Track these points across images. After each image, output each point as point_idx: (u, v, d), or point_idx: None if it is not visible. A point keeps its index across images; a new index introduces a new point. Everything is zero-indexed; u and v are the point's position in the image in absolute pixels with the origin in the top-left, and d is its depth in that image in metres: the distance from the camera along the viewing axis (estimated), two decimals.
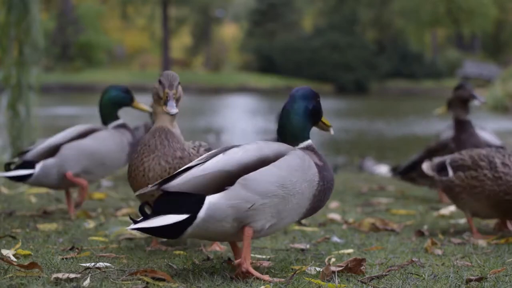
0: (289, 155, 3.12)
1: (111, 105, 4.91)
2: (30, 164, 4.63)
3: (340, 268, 3.18)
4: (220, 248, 3.83)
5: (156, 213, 2.95)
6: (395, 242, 4.09)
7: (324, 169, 3.22)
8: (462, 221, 4.93)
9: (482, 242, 4.05)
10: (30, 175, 4.62)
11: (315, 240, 4.11)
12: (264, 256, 3.66)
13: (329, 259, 3.53)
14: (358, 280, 3.07)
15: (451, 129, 6.73)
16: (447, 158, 4.44)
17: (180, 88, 3.62)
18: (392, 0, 55.82)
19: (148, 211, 2.99)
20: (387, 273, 3.19)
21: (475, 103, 5.83)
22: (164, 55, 50.31)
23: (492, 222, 4.88)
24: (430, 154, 6.14)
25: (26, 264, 3.10)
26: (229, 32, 63.32)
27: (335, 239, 4.15)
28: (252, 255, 3.68)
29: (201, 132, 17.29)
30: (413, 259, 3.47)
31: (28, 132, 10.44)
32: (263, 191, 3.01)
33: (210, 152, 3.19)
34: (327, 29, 51.52)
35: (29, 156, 4.67)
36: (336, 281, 3.02)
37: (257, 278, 3.03)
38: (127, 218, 4.80)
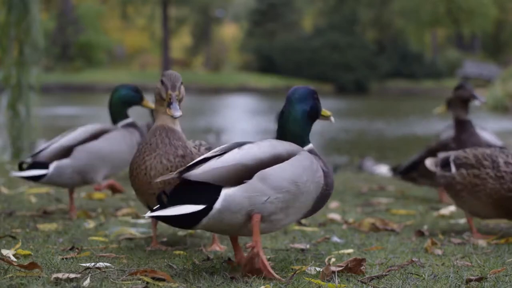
0: (300, 155, 3.21)
1: (121, 104, 4.97)
2: (43, 165, 4.68)
3: (340, 268, 3.18)
4: (220, 248, 3.83)
5: (173, 202, 2.99)
6: (395, 242, 4.09)
7: (328, 175, 3.32)
8: (462, 221, 4.93)
9: (482, 242, 4.05)
10: (43, 175, 4.67)
11: (315, 240, 4.11)
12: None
13: (329, 259, 3.53)
14: (358, 280, 3.07)
15: (451, 128, 6.73)
16: (451, 155, 4.45)
17: (182, 88, 3.61)
18: (392, 0, 55.82)
19: (164, 200, 3.02)
20: (387, 273, 3.19)
21: (476, 103, 5.83)
22: (164, 55, 50.31)
23: (492, 222, 4.88)
24: (430, 154, 6.14)
25: (26, 264, 3.10)
26: (229, 32, 63.32)
27: (335, 239, 4.15)
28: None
29: (201, 132, 17.29)
30: (413, 259, 3.47)
31: (28, 132, 10.44)
32: (278, 186, 3.10)
33: (223, 146, 3.23)
34: (327, 29, 51.52)
35: (42, 156, 4.71)
36: (336, 281, 3.02)
37: (264, 266, 3.10)
38: (127, 218, 4.81)
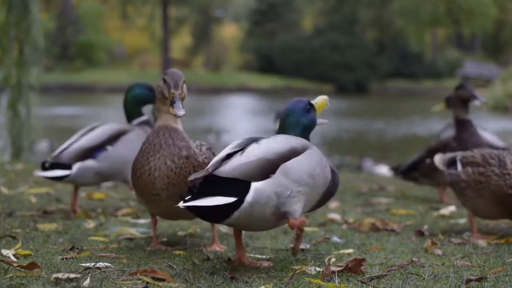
0: (311, 149, 3.33)
1: (135, 103, 5.07)
2: (66, 165, 4.80)
3: (340, 268, 3.18)
4: (220, 248, 3.83)
5: (203, 195, 3.02)
6: (395, 242, 4.09)
7: (334, 173, 3.46)
8: (462, 221, 4.93)
9: (482, 242, 4.05)
10: (66, 176, 4.81)
11: (315, 240, 4.11)
12: (264, 256, 3.66)
13: (329, 259, 3.53)
14: (358, 280, 3.07)
15: (450, 128, 6.73)
16: (459, 154, 4.47)
17: (185, 87, 3.60)
18: (392, 0, 55.83)
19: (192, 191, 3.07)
20: (387, 273, 3.19)
21: (476, 103, 5.83)
22: (164, 55, 50.31)
23: (492, 222, 4.88)
24: (431, 153, 6.15)
25: (26, 264, 3.10)
26: (229, 32, 63.33)
27: (335, 239, 4.15)
28: (252, 255, 3.68)
29: (201, 132, 17.29)
30: (413, 259, 3.47)
31: (28, 132, 10.45)
32: (298, 179, 3.19)
33: (238, 142, 3.28)
34: (327, 29, 51.53)
35: (64, 157, 4.82)
36: (336, 281, 3.02)
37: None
38: (127, 218, 4.81)
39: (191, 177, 3.12)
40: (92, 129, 5.01)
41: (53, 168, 4.81)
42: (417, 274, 3.20)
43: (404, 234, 4.39)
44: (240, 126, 21.42)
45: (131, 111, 5.07)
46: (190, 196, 3.05)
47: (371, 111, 29.50)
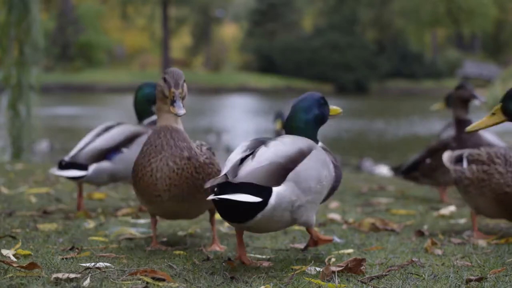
0: (316, 149, 3.37)
1: (146, 102, 5.12)
2: (82, 166, 4.86)
3: (340, 268, 3.18)
4: (220, 248, 3.83)
5: (224, 192, 3.03)
6: (395, 242, 4.09)
7: (337, 168, 3.52)
8: (462, 221, 4.93)
9: (482, 242, 4.05)
10: (82, 176, 4.87)
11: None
12: (264, 256, 3.66)
13: (329, 259, 3.53)
14: (358, 280, 3.07)
15: (451, 127, 6.74)
16: (466, 152, 4.48)
17: (185, 86, 3.60)
18: (392, 0, 55.83)
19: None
20: (387, 273, 3.19)
21: (476, 103, 5.84)
22: (164, 55, 50.32)
23: (492, 222, 4.88)
24: (431, 153, 6.15)
25: (26, 264, 3.10)
26: (229, 32, 63.34)
27: (335, 239, 4.15)
28: (252, 255, 3.68)
29: (201, 132, 17.29)
30: (413, 259, 3.47)
31: (29, 132, 10.46)
32: (307, 188, 3.23)
33: (248, 144, 3.33)
34: (327, 29, 51.54)
35: (81, 157, 4.88)
36: (336, 281, 3.02)
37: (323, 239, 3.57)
38: (127, 218, 4.81)
39: (208, 184, 3.12)
40: (107, 129, 5.05)
41: (69, 167, 4.86)
42: (417, 274, 3.20)
43: (404, 234, 4.39)
44: (240, 126, 21.42)
45: (142, 111, 5.12)
46: (216, 190, 3.06)
47: (371, 111, 29.50)
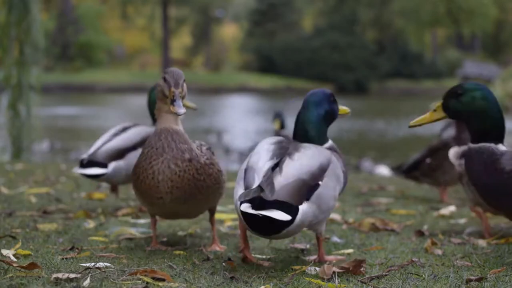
0: (333, 162, 3.41)
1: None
2: (101, 164, 4.93)
3: (341, 271, 3.18)
4: (220, 248, 3.83)
5: (260, 206, 3.05)
6: (395, 242, 4.09)
7: (345, 174, 3.55)
8: (462, 221, 4.93)
9: (482, 242, 4.05)
10: (103, 174, 4.94)
11: (315, 240, 4.10)
12: (264, 256, 3.66)
13: (330, 262, 3.53)
14: (358, 280, 3.07)
15: (451, 127, 6.74)
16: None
17: (185, 85, 3.60)
18: (392, 0, 55.84)
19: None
20: (387, 273, 3.19)
21: None
22: (164, 55, 50.32)
23: (492, 222, 4.88)
24: (432, 153, 6.15)
25: (26, 264, 3.10)
26: (229, 32, 63.35)
27: (335, 239, 4.15)
28: (252, 255, 3.68)
29: (201, 132, 17.29)
30: (413, 259, 3.47)
31: (29, 132, 10.46)
32: (327, 207, 3.32)
33: (272, 148, 3.37)
34: (327, 29, 51.55)
35: (99, 156, 4.94)
36: (336, 281, 3.02)
37: (329, 260, 3.50)
38: (127, 218, 4.81)
39: (242, 198, 3.12)
40: (124, 129, 5.11)
41: (90, 166, 4.94)
42: (417, 274, 3.20)
43: (404, 234, 4.39)
44: (240, 126, 21.42)
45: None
46: (249, 204, 3.06)
47: (371, 111, 29.49)
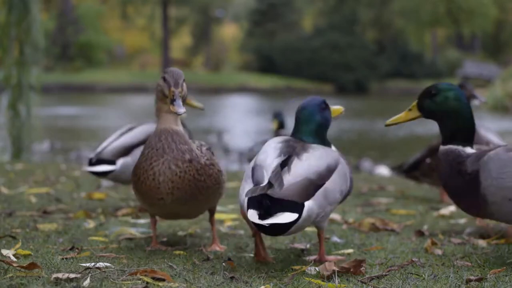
0: (341, 163, 3.48)
1: None
2: (109, 161, 4.99)
3: (341, 271, 3.18)
4: (220, 248, 3.83)
5: (268, 210, 3.08)
6: (395, 242, 4.09)
7: (351, 177, 3.61)
8: (462, 221, 4.93)
9: (482, 242, 4.05)
10: (111, 171, 4.98)
11: (315, 240, 4.10)
12: None
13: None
14: (358, 280, 3.07)
15: None
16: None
17: (185, 85, 3.60)
18: (392, 0, 55.83)
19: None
20: (387, 273, 3.19)
21: (475, 102, 5.84)
22: (164, 55, 50.32)
23: (492, 222, 4.88)
24: (432, 153, 6.15)
25: (26, 264, 3.10)
26: (229, 32, 63.34)
27: (335, 239, 4.15)
28: (252, 255, 3.68)
29: (201, 132, 17.29)
30: (413, 259, 3.47)
31: (29, 132, 10.46)
32: (333, 200, 3.36)
33: (279, 146, 3.41)
34: (327, 29, 51.54)
35: (107, 153, 5.00)
36: (336, 281, 3.03)
37: (330, 260, 3.45)
38: (127, 218, 4.81)
39: (248, 195, 3.14)
40: (130, 129, 5.17)
41: (98, 163, 4.99)
42: (417, 274, 3.20)
43: (404, 234, 4.39)
44: (240, 126, 21.42)
45: None
46: (256, 212, 3.08)
47: (371, 111, 29.48)
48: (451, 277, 3.12)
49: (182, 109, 3.45)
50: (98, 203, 5.52)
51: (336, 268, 3.14)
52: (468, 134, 3.44)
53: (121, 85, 42.48)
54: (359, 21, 54.63)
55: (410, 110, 3.64)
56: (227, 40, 62.38)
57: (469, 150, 3.43)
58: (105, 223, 4.58)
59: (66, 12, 47.34)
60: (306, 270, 3.26)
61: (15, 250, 3.50)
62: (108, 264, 3.27)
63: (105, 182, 6.75)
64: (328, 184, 3.31)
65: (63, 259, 3.41)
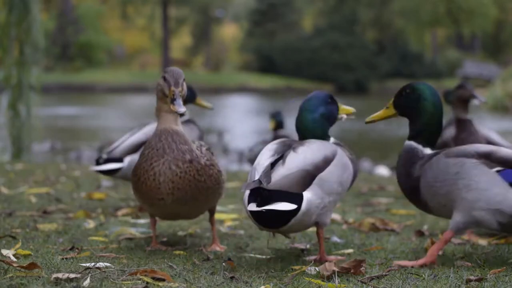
0: (339, 154, 3.47)
1: None
2: (118, 160, 5.01)
3: (341, 271, 3.18)
4: (220, 248, 3.83)
5: (265, 201, 3.13)
6: (395, 242, 4.09)
7: (354, 162, 3.60)
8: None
9: (482, 242, 4.05)
10: (119, 169, 4.99)
11: (315, 240, 4.10)
12: (264, 256, 3.66)
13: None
14: (358, 280, 3.07)
15: (452, 125, 6.74)
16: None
17: (185, 85, 3.60)
18: (392, 0, 55.81)
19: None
20: (387, 273, 3.19)
21: (475, 102, 5.84)
22: (164, 55, 50.31)
23: None
24: None
25: (26, 264, 3.10)
26: (229, 32, 63.31)
27: (335, 239, 4.15)
28: (252, 255, 3.68)
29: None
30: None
31: (29, 132, 10.46)
32: (330, 191, 3.36)
33: (276, 146, 3.45)
34: (327, 29, 51.50)
35: (116, 152, 5.04)
36: (336, 281, 3.03)
37: (330, 260, 3.44)
38: (127, 218, 4.81)
39: (243, 189, 3.21)
40: (140, 128, 5.21)
41: (106, 163, 5.02)
42: (417, 274, 3.20)
43: (404, 234, 4.39)
44: (240, 126, 21.42)
45: None
46: (254, 203, 3.14)
47: (371, 111, 29.32)
48: (451, 277, 3.12)
49: (182, 109, 3.45)
50: (98, 203, 5.52)
51: (336, 268, 3.14)
52: (431, 135, 3.50)
53: (121, 85, 42.45)
54: (359, 21, 54.60)
55: (387, 108, 3.72)
56: (227, 40, 62.35)
57: (428, 151, 3.49)
58: (105, 223, 4.58)
59: (66, 12, 47.32)
60: (306, 270, 3.26)
61: (15, 250, 3.51)
62: (108, 264, 3.27)
63: (105, 182, 6.75)
64: (323, 174, 3.32)
65: (63, 259, 3.42)
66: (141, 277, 3.03)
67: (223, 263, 3.39)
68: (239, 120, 23.94)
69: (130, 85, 42.76)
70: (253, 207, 3.13)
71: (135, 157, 4.97)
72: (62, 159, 12.56)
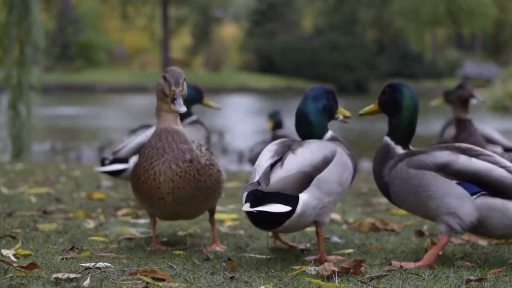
0: (338, 154, 3.49)
1: (186, 102, 5.25)
2: (123, 160, 5.07)
3: (341, 271, 3.18)
4: (220, 248, 3.83)
5: (261, 202, 3.17)
6: (395, 242, 4.09)
7: (353, 158, 3.62)
8: None
9: (482, 242, 4.05)
10: (124, 170, 5.05)
11: (315, 240, 4.10)
12: (264, 256, 3.66)
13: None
14: (358, 280, 3.07)
15: (452, 124, 6.75)
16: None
17: (185, 84, 3.60)
18: (392, 0, 55.81)
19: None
20: (387, 273, 3.19)
21: (474, 101, 5.85)
22: (164, 55, 50.30)
23: None
24: None
25: (26, 264, 3.10)
26: (229, 32, 63.31)
27: (335, 239, 4.15)
28: (252, 255, 3.68)
29: None
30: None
31: (29, 132, 10.46)
32: (329, 191, 3.39)
33: (275, 148, 3.48)
34: (327, 29, 51.49)
35: (122, 153, 5.10)
36: (336, 281, 3.03)
37: (330, 260, 3.46)
38: (127, 218, 4.81)
39: (242, 190, 3.25)
40: (143, 129, 5.33)
41: (112, 163, 5.08)
42: (417, 274, 3.20)
43: (404, 234, 4.39)
44: (240, 126, 21.42)
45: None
46: (249, 204, 3.18)
47: None
48: (451, 277, 3.12)
49: (183, 108, 3.46)
50: (98, 203, 5.52)
51: (336, 268, 3.14)
52: (404, 134, 3.61)
53: (121, 85, 42.44)
54: (359, 21, 54.59)
55: (374, 104, 3.83)
56: (227, 40, 62.35)
57: (399, 150, 3.61)
58: (105, 223, 4.58)
59: (66, 12, 47.31)
60: (306, 270, 3.26)
61: (15, 250, 3.51)
62: (108, 264, 3.27)
63: (105, 182, 6.75)
64: (322, 174, 3.35)
65: (63, 259, 3.42)
66: (141, 277, 3.03)
67: (223, 263, 3.39)
68: (239, 120, 23.94)
69: (130, 85, 42.75)
70: (247, 207, 3.17)
71: None
72: (62, 159, 12.56)
